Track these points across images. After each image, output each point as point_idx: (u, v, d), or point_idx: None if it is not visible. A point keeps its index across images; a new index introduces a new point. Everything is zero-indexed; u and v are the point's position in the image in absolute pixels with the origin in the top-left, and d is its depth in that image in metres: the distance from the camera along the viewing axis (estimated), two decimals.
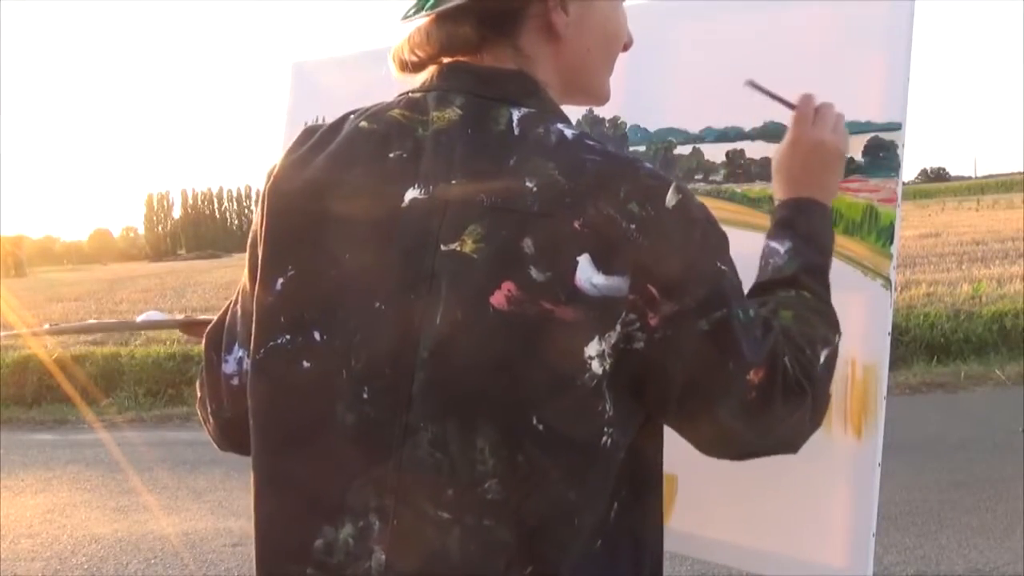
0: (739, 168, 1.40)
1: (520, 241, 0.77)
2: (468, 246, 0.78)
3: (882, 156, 1.27)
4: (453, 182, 0.82)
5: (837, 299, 1.29)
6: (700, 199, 0.87)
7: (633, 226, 0.77)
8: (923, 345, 7.11)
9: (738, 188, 1.39)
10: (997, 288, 8.96)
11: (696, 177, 1.43)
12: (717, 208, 1.40)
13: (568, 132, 0.84)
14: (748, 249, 1.37)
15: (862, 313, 1.27)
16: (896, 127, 1.27)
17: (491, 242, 0.78)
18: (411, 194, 0.83)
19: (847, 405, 1.27)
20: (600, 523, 0.84)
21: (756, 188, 1.37)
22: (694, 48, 1.48)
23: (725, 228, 1.27)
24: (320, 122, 0.99)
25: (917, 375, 6.54)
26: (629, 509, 0.87)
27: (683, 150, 1.46)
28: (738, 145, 1.40)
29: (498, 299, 0.76)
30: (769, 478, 1.33)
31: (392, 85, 1.91)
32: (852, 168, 1.30)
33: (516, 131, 0.83)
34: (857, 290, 1.27)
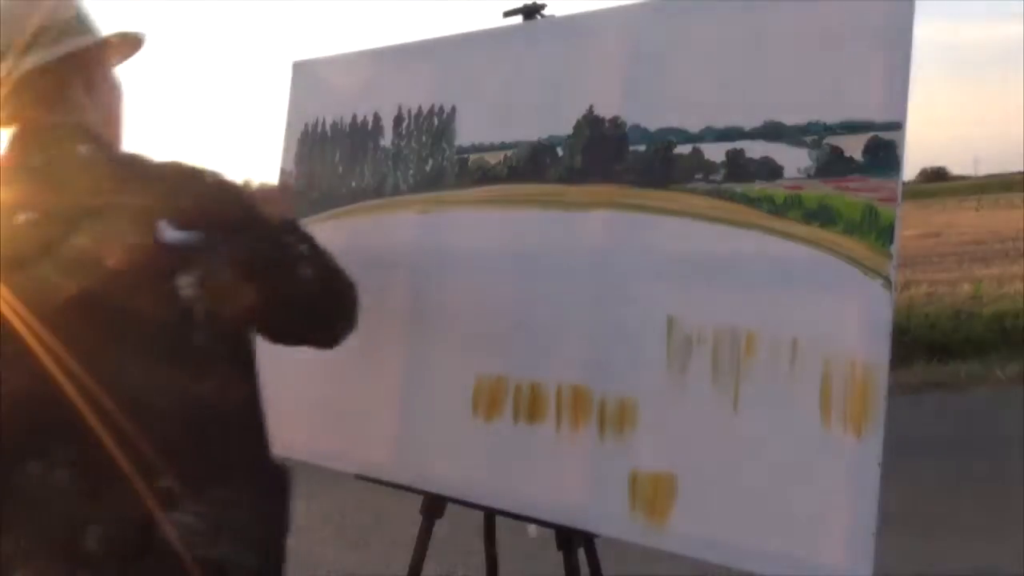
0: (739, 168, 1.40)
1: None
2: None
3: (882, 156, 1.27)
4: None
5: (838, 299, 1.29)
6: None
7: (189, 197, 1.13)
8: (923, 345, 7.10)
9: (738, 188, 1.39)
10: (997, 288, 8.96)
11: (696, 177, 1.43)
12: (717, 208, 1.40)
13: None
14: (748, 249, 1.38)
15: (862, 313, 1.27)
16: (896, 127, 1.27)
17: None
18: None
19: (847, 405, 1.26)
20: None
21: (756, 188, 1.37)
22: (694, 48, 1.48)
23: (725, 227, 1.29)
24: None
25: (917, 375, 6.53)
26: None
27: (683, 150, 1.46)
28: (738, 145, 1.40)
29: (109, 262, 1.08)
30: (769, 478, 1.33)
31: (390, 84, 1.92)
32: (852, 168, 1.30)
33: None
34: (857, 290, 1.27)
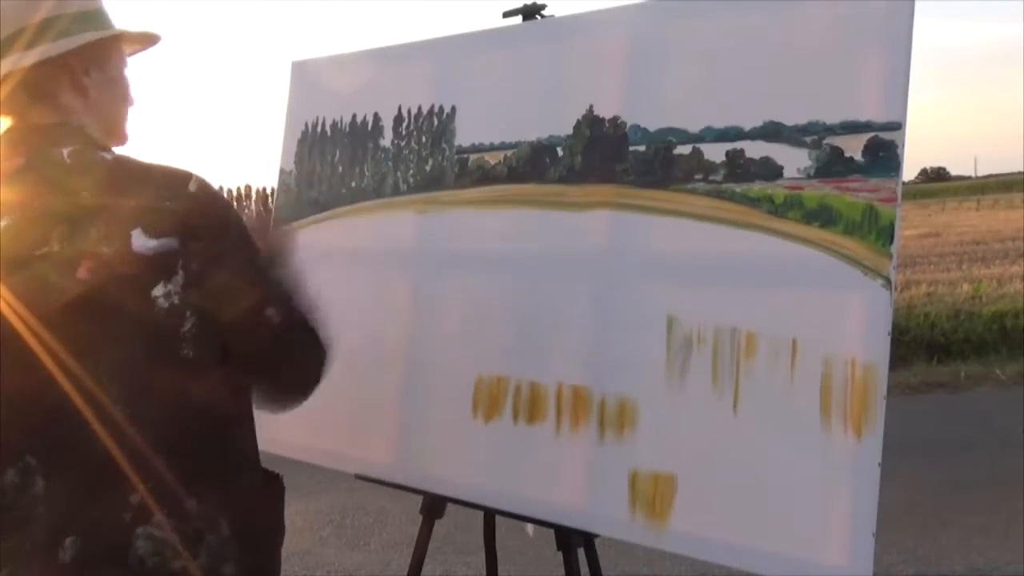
0: (739, 168, 1.40)
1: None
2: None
3: (882, 156, 1.28)
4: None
5: (837, 299, 1.29)
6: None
7: (168, 203, 1.10)
8: (923, 345, 7.11)
9: (738, 188, 1.39)
10: (997, 288, 8.97)
11: (696, 177, 1.43)
12: (717, 208, 1.40)
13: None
14: (748, 249, 1.38)
15: (862, 313, 1.27)
16: (896, 127, 1.27)
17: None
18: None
19: (847, 405, 1.27)
20: None
21: (756, 188, 1.37)
22: (694, 48, 1.48)
23: (725, 228, 1.29)
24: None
25: (917, 375, 6.53)
26: None
27: (683, 150, 1.46)
28: (738, 145, 1.40)
29: (81, 273, 1.06)
30: (769, 478, 1.33)
31: (390, 84, 1.92)
32: (852, 168, 1.30)
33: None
34: (857, 290, 1.27)
